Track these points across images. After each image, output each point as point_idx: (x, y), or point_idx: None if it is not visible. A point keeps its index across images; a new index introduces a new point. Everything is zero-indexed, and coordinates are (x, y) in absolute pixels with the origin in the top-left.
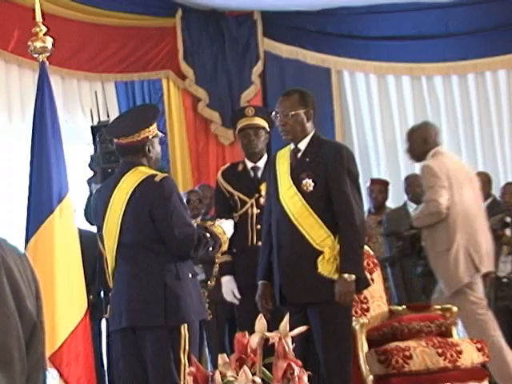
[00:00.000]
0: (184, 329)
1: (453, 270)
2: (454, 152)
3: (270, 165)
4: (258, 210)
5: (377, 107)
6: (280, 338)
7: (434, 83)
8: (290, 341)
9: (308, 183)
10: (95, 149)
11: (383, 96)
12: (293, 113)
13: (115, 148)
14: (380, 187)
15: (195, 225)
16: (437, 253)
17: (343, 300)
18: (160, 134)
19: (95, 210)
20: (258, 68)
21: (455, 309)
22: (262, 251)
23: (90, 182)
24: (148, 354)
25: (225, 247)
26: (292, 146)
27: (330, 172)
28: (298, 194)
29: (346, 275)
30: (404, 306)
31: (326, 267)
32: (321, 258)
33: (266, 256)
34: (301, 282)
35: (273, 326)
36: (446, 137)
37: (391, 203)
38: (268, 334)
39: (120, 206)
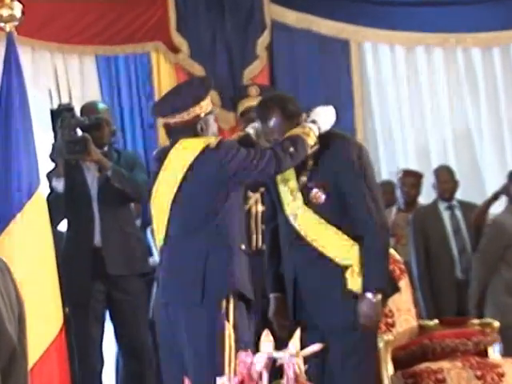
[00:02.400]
0: (229, 305)
1: None
2: (495, 136)
3: None
4: (264, 207)
5: (404, 86)
6: (290, 359)
7: (471, 57)
8: (302, 361)
9: (318, 194)
10: (55, 136)
11: (411, 72)
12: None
13: (164, 128)
14: (412, 180)
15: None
16: None
17: (368, 323)
18: (215, 110)
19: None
20: (263, 39)
21: (497, 324)
22: (268, 258)
23: (50, 176)
24: (183, 336)
25: (311, 139)
26: None
27: (340, 175)
28: (308, 209)
29: (369, 295)
30: (436, 321)
31: (356, 282)
32: (349, 271)
33: (275, 264)
34: (324, 308)
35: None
36: (485, 120)
37: (421, 199)
38: (276, 354)
39: (173, 182)
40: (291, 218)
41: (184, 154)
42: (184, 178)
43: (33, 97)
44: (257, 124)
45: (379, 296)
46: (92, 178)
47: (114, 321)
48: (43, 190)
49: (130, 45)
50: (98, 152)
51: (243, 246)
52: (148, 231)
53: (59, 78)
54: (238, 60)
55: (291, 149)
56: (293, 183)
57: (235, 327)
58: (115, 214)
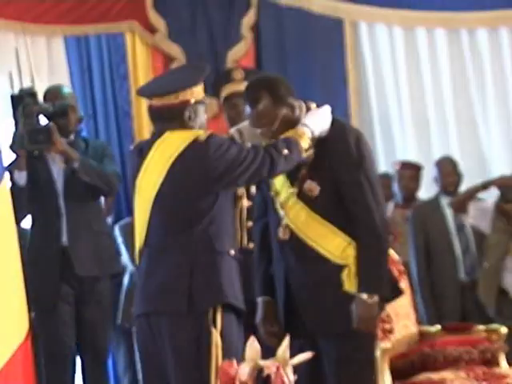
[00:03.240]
0: (217, 314)
1: None
2: (503, 125)
3: None
4: (250, 203)
5: (403, 69)
6: (278, 368)
7: (476, 38)
8: (291, 371)
9: (311, 186)
10: (16, 125)
11: (411, 54)
12: (276, 123)
13: (148, 112)
14: (411, 173)
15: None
16: None
17: (363, 327)
18: (207, 101)
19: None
20: (249, 18)
21: (504, 330)
22: (257, 258)
23: (11, 168)
24: (166, 346)
25: (304, 142)
26: None
27: (337, 167)
28: (300, 202)
29: (365, 296)
30: (438, 327)
31: (353, 282)
32: (346, 271)
33: (264, 265)
34: (318, 309)
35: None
36: (492, 107)
37: (421, 193)
38: (262, 363)
39: (156, 176)
40: (283, 212)
41: (169, 147)
42: (167, 175)
43: None
44: (242, 125)
45: (375, 297)
46: (57, 170)
47: (79, 324)
48: (6, 183)
49: (103, 24)
50: (63, 142)
51: (233, 252)
52: (116, 228)
53: (21, 61)
54: (220, 41)
55: (285, 151)
56: (283, 177)
57: (223, 336)
58: (83, 209)
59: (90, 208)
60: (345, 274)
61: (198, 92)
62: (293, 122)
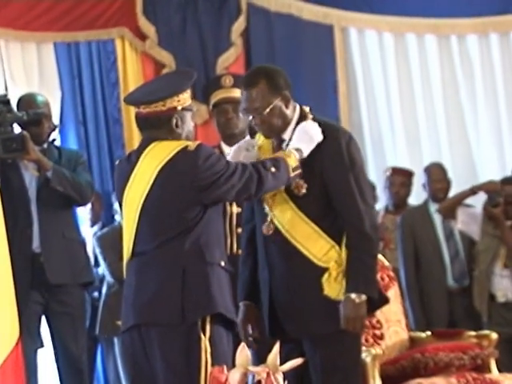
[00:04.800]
0: (206, 323)
1: None
2: (493, 131)
3: None
4: (239, 209)
5: (393, 75)
6: (268, 374)
7: (466, 44)
8: (281, 377)
9: (299, 184)
10: None
11: (401, 61)
12: (268, 109)
13: (135, 120)
14: (402, 179)
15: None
16: None
17: (351, 327)
18: (194, 107)
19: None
20: (239, 25)
21: (495, 336)
22: (242, 262)
23: None
24: (157, 357)
25: (292, 161)
26: None
27: (326, 168)
28: (288, 198)
29: (353, 295)
30: (428, 333)
31: (333, 287)
32: (326, 276)
33: (249, 269)
34: (300, 310)
35: (260, 358)
36: (483, 113)
37: (412, 200)
38: (252, 369)
39: (143, 185)
40: (268, 208)
41: (157, 156)
42: (154, 184)
43: None
44: (236, 147)
45: (363, 297)
46: (30, 177)
47: (51, 334)
48: None
49: (93, 31)
50: (36, 151)
51: (223, 263)
52: (94, 239)
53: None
54: (210, 47)
55: (273, 169)
56: None
57: (212, 345)
58: (56, 217)
59: (62, 216)
60: (324, 278)
61: (184, 99)
62: (284, 117)
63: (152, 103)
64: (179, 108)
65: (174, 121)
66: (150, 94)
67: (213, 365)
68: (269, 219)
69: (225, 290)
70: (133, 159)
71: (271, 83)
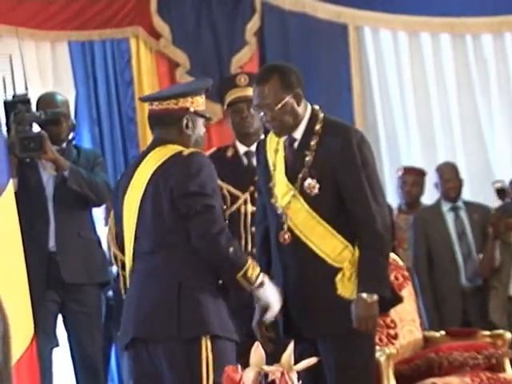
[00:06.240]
0: (206, 342)
1: None
2: (508, 130)
3: (260, 154)
4: (254, 208)
5: (407, 74)
6: (282, 374)
7: (481, 43)
8: (295, 377)
9: (311, 184)
10: (8, 132)
11: (416, 60)
12: (279, 105)
13: (148, 118)
14: (414, 178)
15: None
16: None
17: (363, 326)
18: (207, 114)
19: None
20: (253, 24)
21: (509, 335)
22: (257, 261)
23: None
24: (164, 369)
25: (250, 273)
26: None
27: (339, 168)
28: (301, 199)
29: (364, 295)
30: (442, 332)
31: (347, 287)
32: (340, 275)
33: (264, 268)
34: (314, 310)
35: (275, 357)
36: (497, 112)
37: (427, 199)
38: (267, 368)
39: (139, 190)
40: (281, 210)
41: (153, 161)
42: (146, 190)
43: None
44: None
45: (375, 297)
46: (48, 176)
47: (68, 333)
48: (12, 189)
49: (107, 30)
50: (54, 150)
51: (221, 281)
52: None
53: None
54: (225, 46)
55: (231, 248)
56: (283, 176)
57: (214, 355)
58: (72, 216)
59: (78, 216)
60: (338, 278)
61: (197, 101)
62: (295, 114)
63: (165, 100)
64: (191, 109)
65: (185, 121)
66: (164, 92)
67: (215, 375)
68: (284, 226)
69: (222, 309)
70: (137, 162)
71: (283, 80)
